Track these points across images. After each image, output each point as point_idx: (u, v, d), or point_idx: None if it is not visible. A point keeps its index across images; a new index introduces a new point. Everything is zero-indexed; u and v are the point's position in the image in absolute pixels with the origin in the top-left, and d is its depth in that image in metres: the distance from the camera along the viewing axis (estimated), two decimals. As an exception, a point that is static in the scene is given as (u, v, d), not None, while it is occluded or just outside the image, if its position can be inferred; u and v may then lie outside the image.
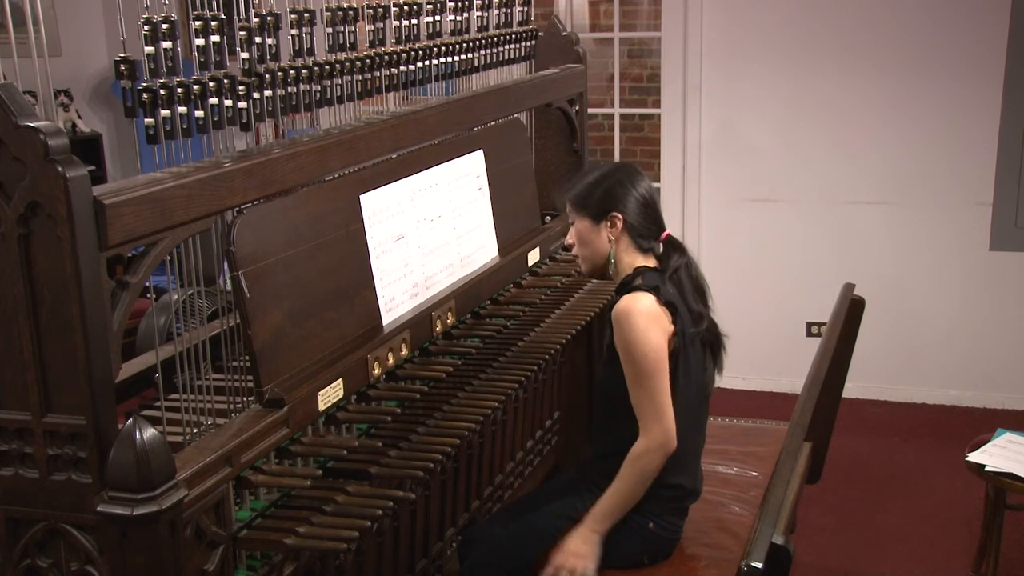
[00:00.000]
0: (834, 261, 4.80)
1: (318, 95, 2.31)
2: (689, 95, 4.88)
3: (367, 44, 2.53)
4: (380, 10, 2.55)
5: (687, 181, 4.97)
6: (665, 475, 2.33)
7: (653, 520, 2.38)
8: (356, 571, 2.27)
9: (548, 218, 3.49)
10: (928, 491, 4.01)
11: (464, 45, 2.94)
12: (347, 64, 2.40)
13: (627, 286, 2.37)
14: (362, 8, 2.48)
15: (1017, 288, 4.65)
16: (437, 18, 2.81)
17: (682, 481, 2.39)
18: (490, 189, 3.06)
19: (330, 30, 2.37)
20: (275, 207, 2.14)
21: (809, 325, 4.91)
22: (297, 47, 2.27)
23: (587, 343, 3.55)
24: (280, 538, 1.88)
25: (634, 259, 2.41)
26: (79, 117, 5.69)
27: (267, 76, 2.14)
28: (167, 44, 1.89)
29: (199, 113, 1.97)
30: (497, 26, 3.21)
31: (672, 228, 2.50)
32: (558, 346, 2.80)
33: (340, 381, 2.16)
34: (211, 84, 1.99)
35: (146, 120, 1.88)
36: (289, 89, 2.21)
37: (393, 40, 2.62)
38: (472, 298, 2.80)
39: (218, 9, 2.01)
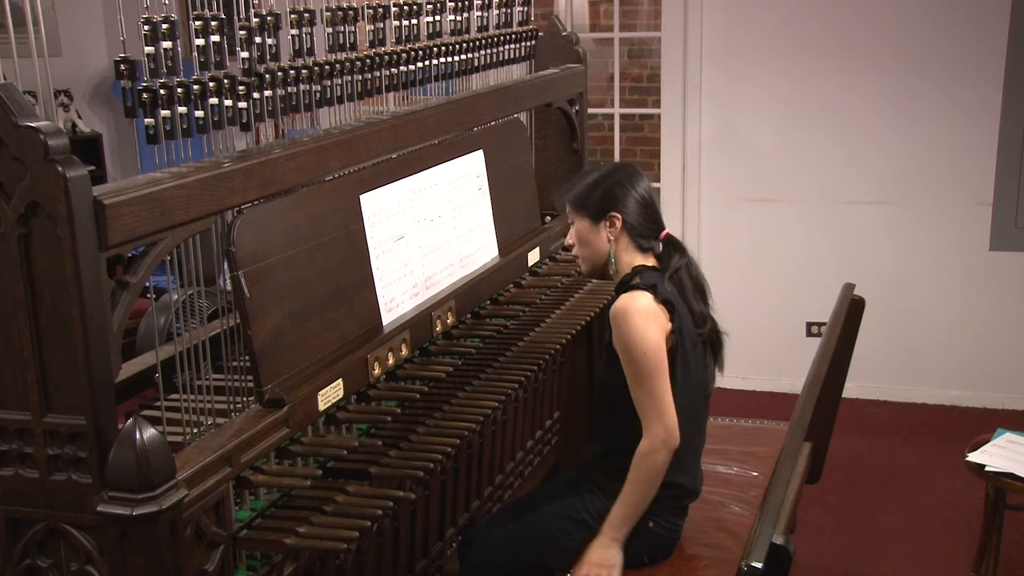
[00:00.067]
0: (834, 261, 4.80)
1: (318, 95, 2.31)
2: (689, 95, 4.88)
3: (367, 44, 2.53)
4: (380, 10, 2.55)
5: (687, 181, 4.97)
6: (665, 474, 2.33)
7: (653, 519, 2.38)
8: (356, 571, 2.27)
9: (548, 218, 3.49)
10: (928, 491, 4.01)
11: (464, 45, 2.94)
12: (347, 64, 2.40)
13: (625, 285, 2.37)
14: (362, 8, 2.48)
15: (1017, 288, 4.65)
16: (437, 18, 2.81)
17: (682, 480, 2.39)
18: (490, 189, 3.06)
19: (330, 30, 2.37)
20: (275, 207, 2.14)
21: (809, 325, 4.91)
22: (297, 47, 2.27)
23: (587, 343, 3.55)
24: (280, 538, 1.88)
25: (633, 258, 2.42)
26: (79, 117, 5.69)
27: (267, 76, 2.14)
28: (167, 44, 1.89)
29: (199, 113, 1.97)
30: (497, 26, 3.21)
31: (672, 228, 2.50)
32: (558, 346, 2.80)
33: (340, 381, 2.16)
34: (211, 84, 1.99)
35: (146, 120, 1.88)
36: (289, 89, 2.21)
37: (393, 40, 2.62)
38: (472, 298, 2.80)
39: (218, 9, 2.01)
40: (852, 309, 2.88)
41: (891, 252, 4.77)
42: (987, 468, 3.11)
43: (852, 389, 4.32)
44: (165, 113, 1.89)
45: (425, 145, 2.70)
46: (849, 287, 2.99)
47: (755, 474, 2.85)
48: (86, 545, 1.67)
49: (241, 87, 2.06)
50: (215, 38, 2.00)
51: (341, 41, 2.40)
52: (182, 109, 1.93)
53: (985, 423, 4.21)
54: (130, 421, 1.63)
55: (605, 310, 2.38)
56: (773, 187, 4.87)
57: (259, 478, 1.93)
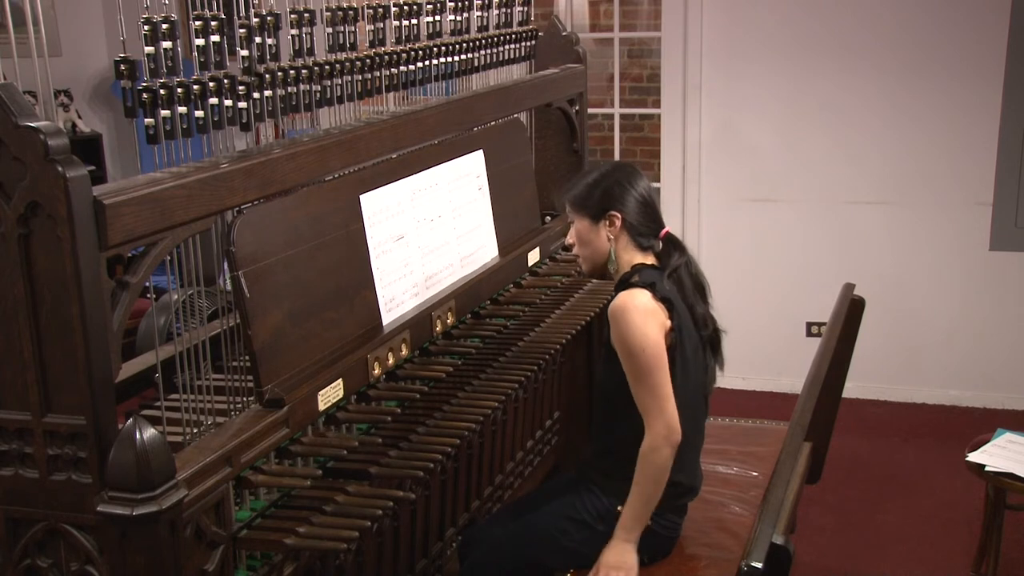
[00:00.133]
0: (834, 261, 4.80)
1: (318, 95, 2.31)
2: (689, 95, 4.88)
3: (367, 44, 2.53)
4: (380, 10, 2.55)
5: (687, 181, 4.97)
6: (665, 472, 2.33)
7: (652, 518, 2.37)
8: (356, 571, 2.27)
9: (548, 218, 3.49)
10: (928, 491, 4.01)
11: (464, 45, 2.94)
12: (347, 64, 2.40)
13: (624, 283, 2.37)
14: (362, 8, 2.48)
15: (1017, 288, 4.65)
16: (437, 18, 2.81)
17: (680, 478, 2.38)
18: (490, 189, 3.06)
19: (330, 30, 2.37)
20: (275, 207, 2.14)
21: (809, 325, 4.91)
22: (297, 47, 2.27)
23: (587, 343, 3.55)
24: (280, 538, 1.88)
25: (633, 257, 2.42)
26: (79, 117, 5.69)
27: (267, 76, 2.14)
28: (167, 44, 1.89)
29: (199, 113, 1.97)
30: (497, 26, 3.21)
31: (672, 228, 2.50)
32: (558, 346, 2.81)
33: (340, 381, 2.16)
34: (211, 84, 1.99)
35: (146, 120, 1.88)
36: (289, 89, 2.21)
37: (393, 40, 2.62)
38: (472, 298, 2.80)
39: (218, 9, 2.01)
40: (852, 309, 2.88)
41: (891, 252, 4.77)
42: (987, 468, 3.11)
43: (852, 389, 4.32)
44: (165, 113, 1.89)
45: (425, 145, 2.70)
46: (849, 287, 2.99)
47: (755, 474, 2.85)
48: (86, 545, 1.67)
49: (241, 87, 2.06)
50: (215, 38, 2.00)
51: (341, 41, 2.40)
52: (182, 109, 1.93)
53: (985, 423, 4.21)
54: (130, 421, 1.63)
55: (605, 310, 2.38)
56: (773, 187, 4.87)
57: (259, 478, 1.93)
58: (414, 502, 2.42)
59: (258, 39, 2.12)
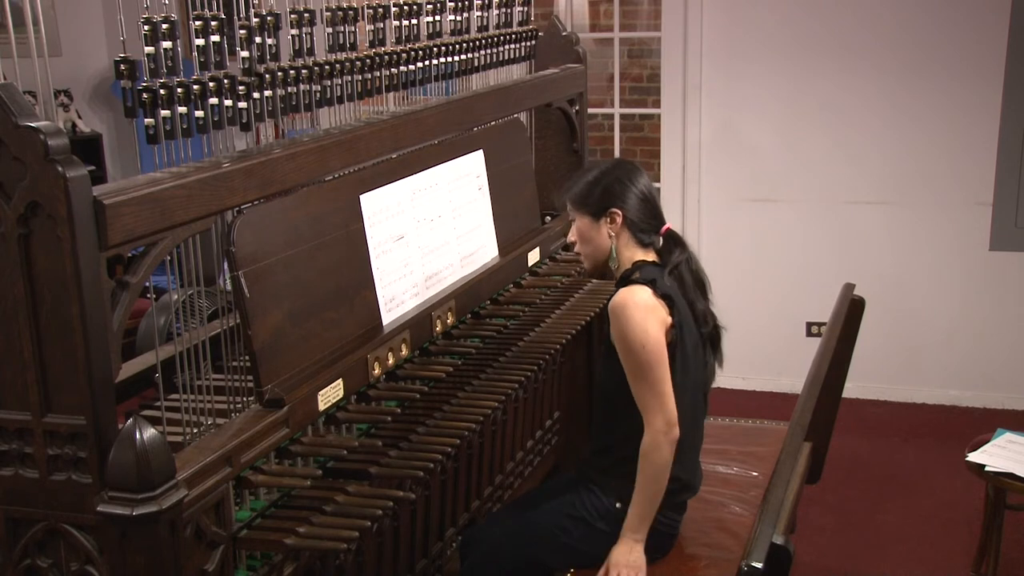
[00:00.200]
0: (834, 261, 4.80)
1: (318, 95, 2.31)
2: (689, 95, 4.88)
3: (367, 44, 2.53)
4: (380, 10, 2.55)
5: (687, 181, 4.97)
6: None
7: (652, 515, 2.38)
8: (356, 571, 2.27)
9: (548, 218, 3.49)
10: (928, 491, 4.01)
11: (464, 45, 2.94)
12: (347, 64, 2.40)
13: (625, 280, 2.37)
14: (362, 8, 2.48)
15: (1017, 288, 4.65)
16: (437, 18, 2.81)
17: (678, 474, 2.38)
18: (490, 189, 3.06)
19: (330, 30, 2.37)
20: (275, 207, 2.14)
21: (809, 325, 4.91)
22: (297, 47, 2.27)
23: (587, 343, 3.55)
24: (280, 538, 1.88)
25: (634, 254, 2.42)
26: (79, 117, 5.69)
27: (267, 76, 2.14)
28: (167, 44, 1.89)
29: (199, 113, 1.97)
30: (497, 26, 3.21)
31: (672, 228, 2.50)
32: (558, 346, 2.81)
33: (340, 381, 2.16)
34: (211, 84, 1.99)
35: (146, 120, 1.88)
36: (289, 89, 2.21)
37: (393, 40, 2.62)
38: (472, 298, 2.80)
39: (218, 9, 2.01)
40: (852, 309, 2.88)
41: (891, 252, 4.77)
42: (987, 468, 3.11)
43: (852, 389, 4.32)
44: (165, 113, 1.90)
45: (425, 145, 2.70)
46: (849, 287, 2.99)
47: (755, 474, 2.85)
48: (86, 545, 1.67)
49: (241, 87, 2.06)
50: (215, 38, 2.00)
51: (341, 41, 2.40)
52: (182, 109, 1.93)
53: (985, 423, 4.21)
54: (130, 421, 1.63)
55: (605, 310, 2.39)
56: (773, 187, 4.87)
57: (259, 478, 1.93)
58: (414, 502, 2.42)
59: (258, 39, 2.12)
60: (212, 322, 2.27)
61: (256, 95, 2.11)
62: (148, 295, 1.96)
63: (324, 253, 2.27)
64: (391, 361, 2.37)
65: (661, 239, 2.44)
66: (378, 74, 2.52)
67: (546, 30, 3.52)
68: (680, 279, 2.38)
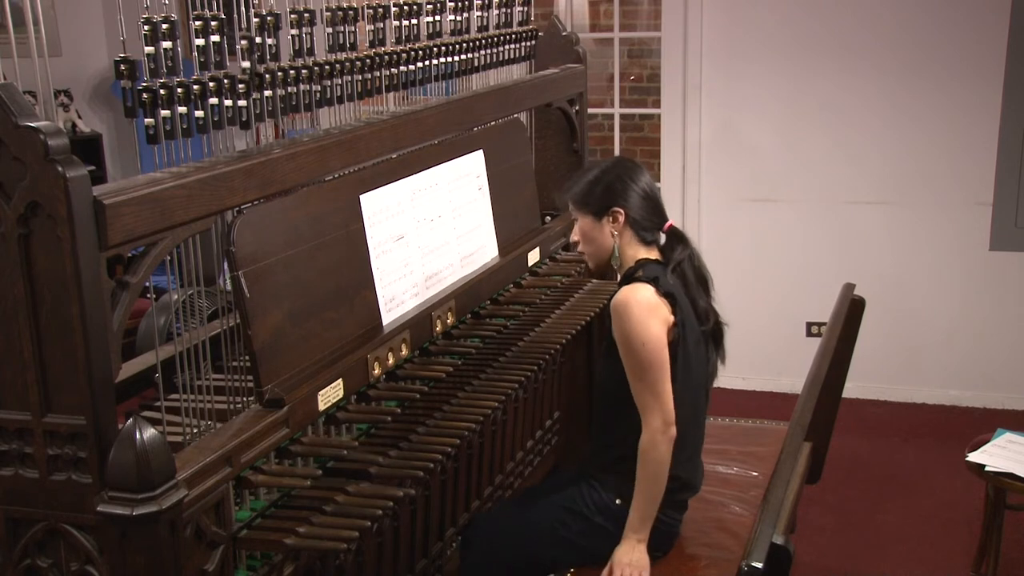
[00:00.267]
0: (834, 261, 4.80)
1: (318, 95, 2.31)
2: (689, 95, 4.88)
3: (367, 44, 2.53)
4: (380, 10, 2.55)
5: (687, 181, 4.97)
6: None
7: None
8: (356, 571, 2.27)
9: (548, 218, 3.49)
10: (928, 491, 4.01)
11: (464, 45, 2.94)
12: (347, 64, 2.40)
13: (628, 278, 2.38)
14: (362, 8, 2.48)
15: (1017, 288, 4.65)
16: (437, 18, 2.81)
17: (678, 472, 2.38)
18: (490, 189, 3.06)
19: (330, 30, 2.37)
20: (275, 207, 2.14)
21: (809, 325, 4.91)
22: (297, 47, 2.27)
23: (587, 343, 3.55)
24: (280, 538, 1.88)
25: (637, 252, 2.42)
26: (79, 117, 5.69)
27: (267, 76, 2.14)
28: (167, 44, 1.89)
29: (199, 113, 1.97)
30: (497, 26, 3.21)
31: (672, 228, 2.51)
32: (558, 346, 2.80)
33: (340, 381, 2.16)
34: (211, 84, 1.99)
35: (146, 120, 1.88)
36: (289, 89, 2.21)
37: (393, 40, 2.62)
38: (472, 298, 2.80)
39: (218, 9, 2.01)
40: (852, 309, 2.89)
41: (891, 252, 4.77)
42: (987, 468, 3.11)
43: (852, 389, 4.32)
44: (165, 113, 1.90)
45: (425, 145, 2.70)
46: (849, 287, 2.99)
47: (755, 474, 2.85)
48: (86, 545, 1.67)
49: (241, 87, 2.06)
50: (215, 38, 2.00)
51: (341, 41, 2.40)
52: (182, 109, 1.93)
53: (985, 423, 4.21)
54: (130, 421, 1.63)
55: (605, 310, 2.39)
56: (773, 187, 4.87)
57: (259, 478, 1.93)
58: (414, 502, 2.42)
59: (258, 39, 2.12)
60: (212, 322, 2.27)
61: (256, 95, 2.11)
62: (148, 295, 1.96)
63: (324, 253, 2.27)
64: (391, 361, 2.37)
65: (664, 236, 2.45)
66: (378, 74, 2.52)
67: (546, 30, 3.52)
68: (683, 276, 2.38)
